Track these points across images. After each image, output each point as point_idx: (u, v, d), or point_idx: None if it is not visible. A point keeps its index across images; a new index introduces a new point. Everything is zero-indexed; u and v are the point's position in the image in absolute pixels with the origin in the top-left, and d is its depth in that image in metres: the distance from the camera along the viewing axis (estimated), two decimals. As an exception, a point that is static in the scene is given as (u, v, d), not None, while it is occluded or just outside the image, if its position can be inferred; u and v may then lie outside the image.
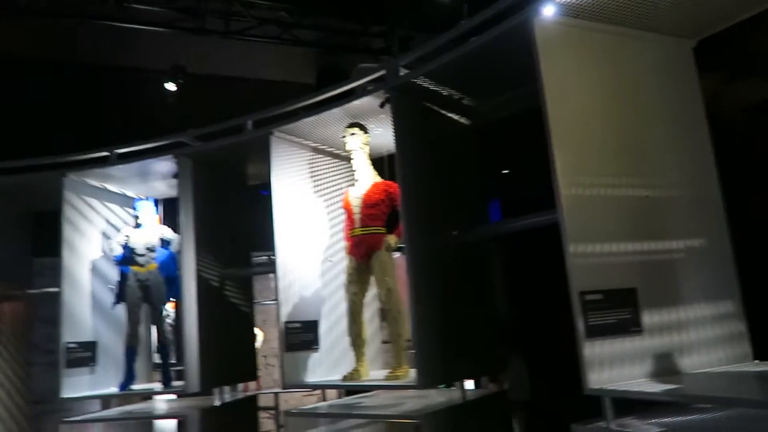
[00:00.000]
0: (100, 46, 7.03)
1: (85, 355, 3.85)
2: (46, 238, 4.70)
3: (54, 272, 4.15)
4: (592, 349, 2.09)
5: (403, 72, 3.01)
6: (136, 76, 7.36)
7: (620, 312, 2.18)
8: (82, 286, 3.98)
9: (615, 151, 2.41)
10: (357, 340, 3.15)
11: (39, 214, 4.79)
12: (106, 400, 4.13)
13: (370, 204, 3.17)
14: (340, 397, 4.24)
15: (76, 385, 3.78)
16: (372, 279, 3.17)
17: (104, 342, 4.02)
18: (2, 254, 4.42)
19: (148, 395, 4.20)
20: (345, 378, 3.10)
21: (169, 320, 4.10)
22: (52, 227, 4.09)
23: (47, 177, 4.06)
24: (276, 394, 5.89)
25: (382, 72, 3.11)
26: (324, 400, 5.36)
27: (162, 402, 4.20)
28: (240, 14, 6.93)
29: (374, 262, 3.12)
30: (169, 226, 4.13)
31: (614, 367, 2.11)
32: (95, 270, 4.08)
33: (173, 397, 4.16)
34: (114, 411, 3.99)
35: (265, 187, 3.40)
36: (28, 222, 4.80)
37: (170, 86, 6.95)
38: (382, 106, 3.09)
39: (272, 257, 3.30)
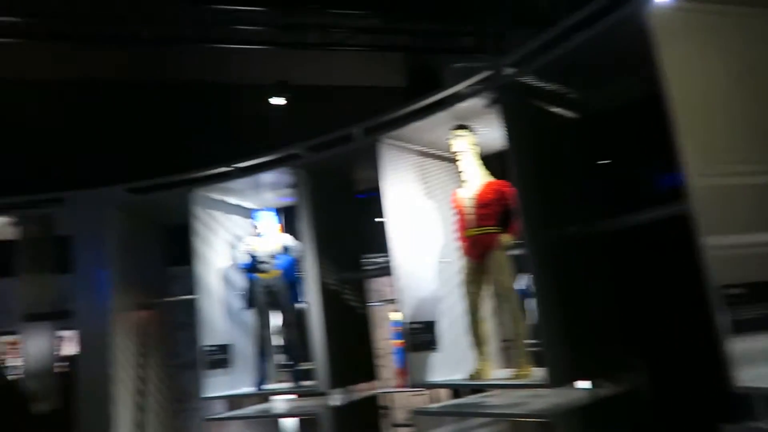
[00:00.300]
0: (201, 66, 7.50)
1: (221, 357, 4.12)
2: (171, 248, 5.10)
3: (181, 280, 4.49)
4: (738, 346, 2.01)
5: (507, 71, 3.01)
6: (233, 91, 7.76)
7: (765, 306, 2.08)
8: (213, 293, 4.26)
9: (744, 136, 2.32)
10: (478, 339, 3.18)
11: (164, 226, 5.12)
12: (233, 400, 4.41)
13: (482, 204, 3.20)
14: (455, 396, 4.27)
15: (215, 385, 4.05)
16: (488, 278, 3.19)
17: (236, 344, 4.26)
18: (141, 266, 4.79)
19: (265, 395, 4.40)
20: (472, 377, 3.13)
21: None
22: (177, 238, 4.42)
23: (176, 193, 4.39)
24: (388, 393, 6.01)
25: (490, 72, 3.13)
26: (433, 399, 5.40)
27: (283, 401, 4.37)
28: (332, 26, 7.14)
29: (490, 261, 3.14)
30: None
31: (762, 364, 2.02)
32: (223, 278, 4.35)
33: (292, 396, 4.35)
34: (251, 409, 4.23)
35: (366, 191, 3.47)
36: (160, 234, 5.15)
37: (278, 101, 7.26)
38: (489, 106, 3.11)
39: (380, 259, 3.36)
